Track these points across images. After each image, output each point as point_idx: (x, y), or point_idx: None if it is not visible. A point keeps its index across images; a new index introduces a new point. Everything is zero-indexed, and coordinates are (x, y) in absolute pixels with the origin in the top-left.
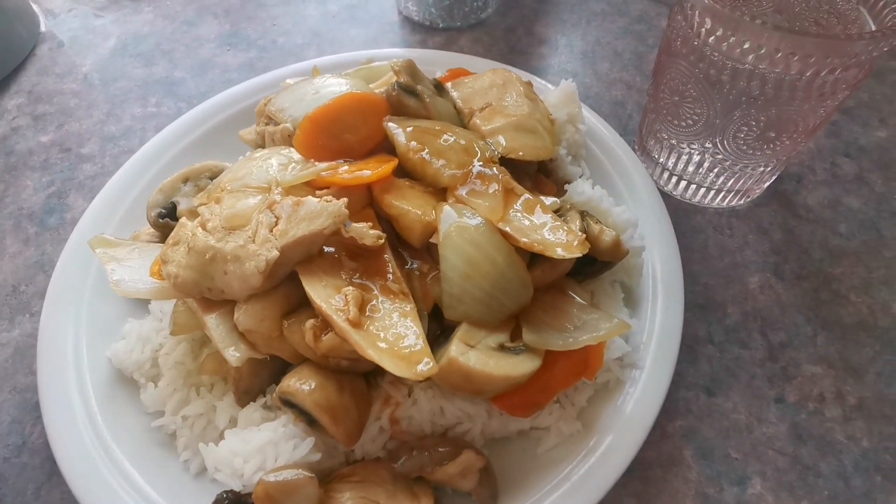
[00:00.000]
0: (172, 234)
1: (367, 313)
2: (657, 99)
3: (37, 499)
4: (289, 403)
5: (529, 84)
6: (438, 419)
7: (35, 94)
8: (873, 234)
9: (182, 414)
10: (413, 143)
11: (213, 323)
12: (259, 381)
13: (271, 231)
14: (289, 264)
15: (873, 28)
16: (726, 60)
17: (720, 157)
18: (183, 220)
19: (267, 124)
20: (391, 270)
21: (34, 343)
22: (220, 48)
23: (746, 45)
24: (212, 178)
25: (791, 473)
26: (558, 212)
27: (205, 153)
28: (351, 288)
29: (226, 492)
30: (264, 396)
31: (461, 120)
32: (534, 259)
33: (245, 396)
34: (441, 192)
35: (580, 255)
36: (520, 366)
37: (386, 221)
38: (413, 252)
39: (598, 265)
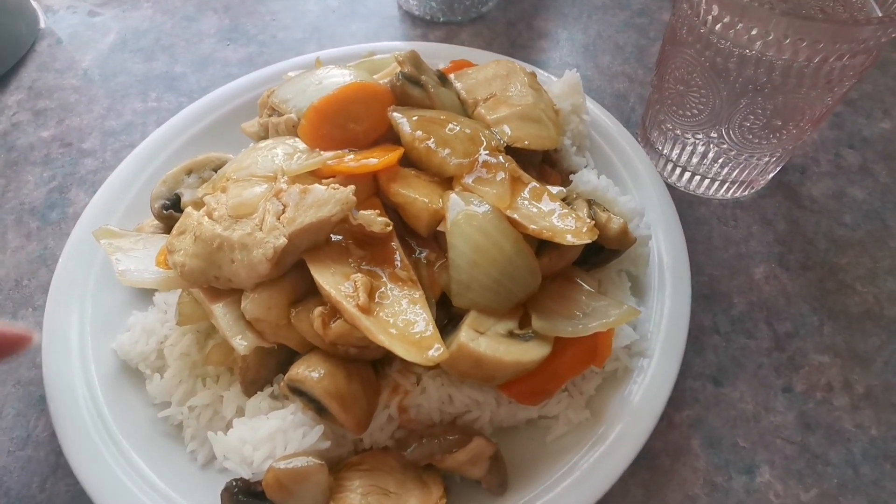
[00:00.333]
0: (178, 223)
1: (377, 300)
2: (662, 89)
3: (42, 491)
4: (298, 391)
5: (533, 74)
6: (447, 407)
7: (35, 89)
8: (878, 224)
9: (188, 404)
10: (418, 133)
11: (221, 312)
12: (266, 370)
13: (279, 219)
14: (296, 252)
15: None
16: (733, 48)
17: (725, 146)
18: (189, 209)
19: (270, 115)
20: (399, 258)
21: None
22: (220, 43)
23: (754, 32)
24: (215, 170)
25: (800, 462)
26: (565, 200)
27: (207, 147)
28: (360, 275)
29: (235, 480)
30: (271, 386)
31: (465, 110)
32: (541, 247)
33: (252, 386)
34: (447, 182)
35: (589, 241)
36: (530, 352)
37: (392, 210)
38: (419, 240)
39: (605, 253)
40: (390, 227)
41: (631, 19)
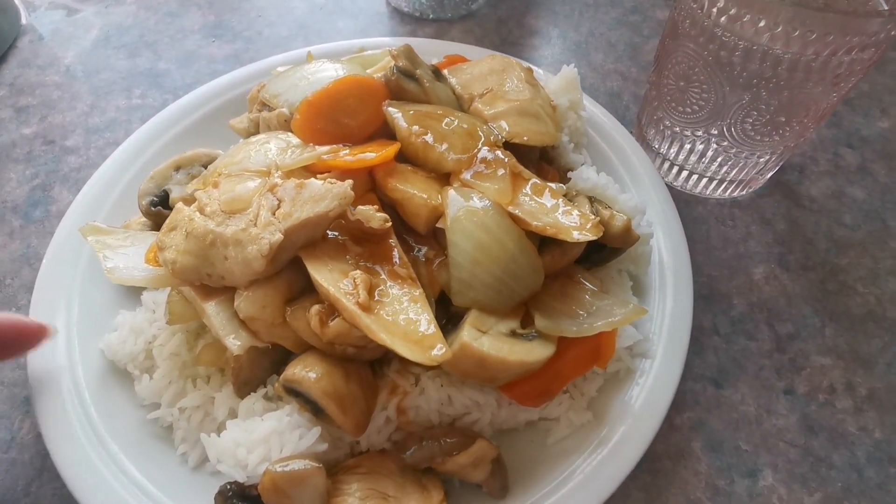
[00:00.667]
0: (169, 219)
1: (376, 298)
2: (660, 85)
3: (27, 495)
4: (294, 392)
5: (529, 70)
6: (446, 409)
7: (17, 86)
8: (878, 224)
9: (179, 406)
10: (415, 128)
11: (213, 310)
12: (259, 370)
13: (273, 214)
14: (292, 248)
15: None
16: (738, 41)
17: (725, 144)
18: (180, 204)
19: (261, 111)
20: (397, 255)
21: None
22: (205, 39)
23: (761, 24)
24: (205, 167)
25: (803, 465)
26: (566, 197)
27: (193, 144)
28: (359, 272)
29: (229, 483)
30: (265, 387)
31: (461, 105)
32: (542, 244)
33: (245, 387)
34: (444, 178)
35: (595, 237)
36: (534, 352)
37: (389, 207)
38: (417, 238)
39: (606, 252)
40: (389, 224)
41: (624, 17)
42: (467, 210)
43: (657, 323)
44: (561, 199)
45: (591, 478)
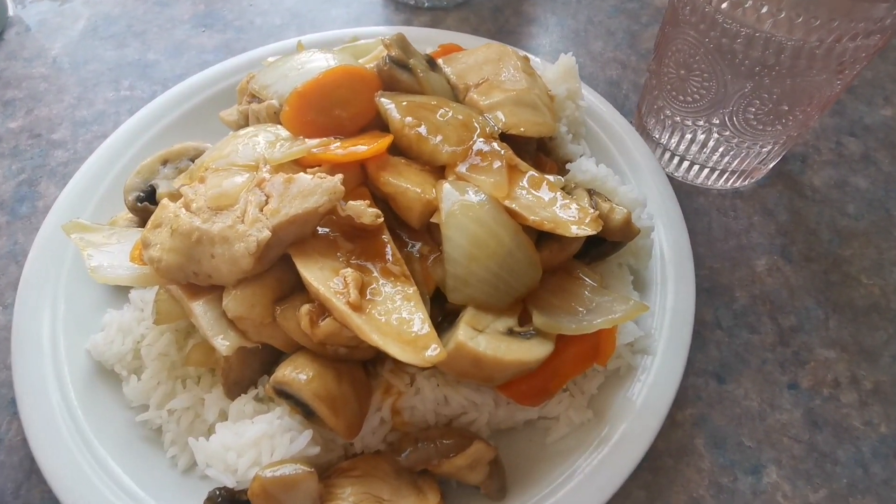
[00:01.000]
0: (153, 216)
1: (368, 296)
2: (660, 74)
3: (16, 498)
4: (284, 394)
5: (526, 58)
6: (442, 409)
7: (3, 79)
8: (882, 214)
9: (168, 408)
10: (408, 119)
11: (201, 310)
12: (250, 371)
13: (261, 210)
14: (281, 245)
15: None
16: (741, 28)
17: (727, 134)
18: (165, 201)
19: (250, 102)
20: (390, 252)
21: (7, 336)
22: (194, 29)
23: (764, 10)
24: (192, 160)
25: (807, 461)
26: (564, 189)
27: (182, 137)
28: (350, 270)
29: (218, 489)
30: (256, 388)
31: (456, 96)
32: (540, 239)
33: (235, 388)
34: (438, 171)
35: (594, 232)
36: (532, 350)
37: (381, 201)
38: (411, 233)
39: (606, 246)
40: (381, 219)
41: (622, 4)
42: (462, 204)
43: (658, 318)
44: (559, 193)
45: (591, 477)
